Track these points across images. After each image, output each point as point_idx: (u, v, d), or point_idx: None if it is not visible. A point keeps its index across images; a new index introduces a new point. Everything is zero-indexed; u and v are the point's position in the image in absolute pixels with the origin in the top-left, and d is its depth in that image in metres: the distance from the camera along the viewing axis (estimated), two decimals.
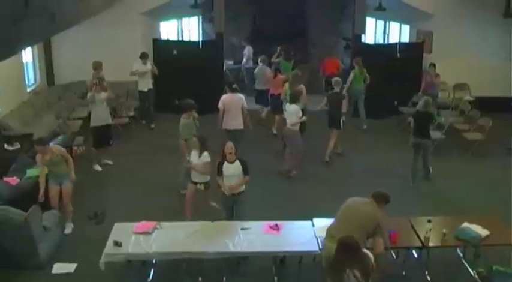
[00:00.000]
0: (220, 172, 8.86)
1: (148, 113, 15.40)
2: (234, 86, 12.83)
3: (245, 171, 8.85)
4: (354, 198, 7.41)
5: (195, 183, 9.48)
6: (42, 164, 9.33)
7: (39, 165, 9.44)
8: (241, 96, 12.40)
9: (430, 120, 11.83)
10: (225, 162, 8.80)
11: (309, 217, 8.76)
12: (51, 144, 9.65)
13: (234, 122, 12.05)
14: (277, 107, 14.31)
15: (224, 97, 12.40)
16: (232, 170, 8.79)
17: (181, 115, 10.87)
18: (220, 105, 12.15)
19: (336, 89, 13.23)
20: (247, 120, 12.25)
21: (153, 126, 15.23)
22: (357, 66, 15.21)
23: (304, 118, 11.98)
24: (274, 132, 14.77)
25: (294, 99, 11.97)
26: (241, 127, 12.14)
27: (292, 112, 11.86)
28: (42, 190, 9.24)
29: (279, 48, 17.10)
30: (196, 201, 9.69)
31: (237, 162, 8.80)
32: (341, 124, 13.02)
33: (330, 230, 7.23)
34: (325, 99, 13.24)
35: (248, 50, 18.57)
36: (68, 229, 9.75)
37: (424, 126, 11.64)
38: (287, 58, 16.68)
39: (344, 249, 6.13)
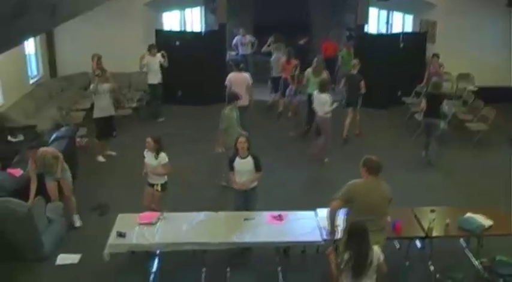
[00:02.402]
0: (231, 167, 8.77)
1: (157, 107, 15.34)
2: (241, 65, 13.35)
3: (257, 167, 8.73)
4: (359, 185, 7.06)
5: (152, 185, 9.14)
6: (34, 171, 9.17)
7: (31, 173, 9.19)
8: (246, 75, 12.97)
9: (441, 101, 12.19)
10: (237, 157, 8.71)
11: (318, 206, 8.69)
12: (42, 148, 9.55)
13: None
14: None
15: (230, 75, 12.95)
16: (244, 165, 8.69)
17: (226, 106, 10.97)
18: (226, 82, 12.73)
19: (354, 71, 13.57)
20: (251, 99, 12.80)
21: (161, 120, 15.17)
22: (345, 48, 15.66)
23: (335, 105, 12.18)
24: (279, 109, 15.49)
25: (324, 87, 12.16)
26: (246, 103, 12.58)
27: (323, 102, 12.03)
28: (31, 199, 8.99)
29: (272, 36, 17.16)
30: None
31: (249, 158, 8.68)
32: (359, 103, 13.59)
33: None
34: (343, 80, 13.87)
35: (250, 39, 18.44)
36: (77, 222, 9.75)
37: (435, 107, 12.05)
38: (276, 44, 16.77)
39: (351, 233, 6.14)
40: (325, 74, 13.23)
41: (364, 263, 6.01)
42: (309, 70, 13.68)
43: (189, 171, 11.82)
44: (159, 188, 9.07)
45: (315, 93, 12.36)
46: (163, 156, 8.94)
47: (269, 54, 16.66)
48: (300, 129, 14.13)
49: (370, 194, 6.96)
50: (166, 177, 9.15)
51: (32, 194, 9.01)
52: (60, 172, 9.40)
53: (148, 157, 9.03)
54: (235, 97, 10.95)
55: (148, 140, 8.93)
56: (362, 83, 13.36)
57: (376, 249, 6.18)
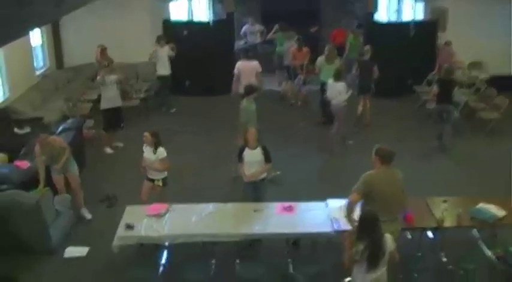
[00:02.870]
0: (240, 158, 8.77)
1: (166, 98, 15.29)
2: (250, 53, 13.30)
3: (267, 158, 8.73)
4: (374, 176, 7.02)
5: (152, 180, 9.05)
6: (40, 158, 9.20)
7: (37, 158, 9.27)
8: (256, 62, 12.86)
9: (453, 86, 12.27)
10: (246, 148, 8.70)
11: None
12: (52, 136, 9.61)
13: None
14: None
15: (239, 63, 12.89)
16: (253, 156, 8.68)
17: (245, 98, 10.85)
18: (235, 71, 12.70)
19: (366, 57, 13.53)
20: (261, 87, 12.64)
21: (173, 110, 15.17)
22: (352, 34, 16.03)
23: (349, 92, 12.20)
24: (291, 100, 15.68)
25: (339, 76, 12.17)
26: None
27: (340, 90, 12.01)
28: (42, 184, 9.12)
29: (276, 25, 17.16)
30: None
31: (259, 149, 8.69)
32: (372, 90, 13.59)
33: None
34: (355, 66, 13.81)
35: (258, 28, 18.38)
36: (87, 215, 9.76)
37: (447, 93, 12.11)
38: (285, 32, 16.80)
39: (363, 223, 6.13)
40: (338, 61, 13.22)
41: (379, 253, 6.00)
42: (321, 58, 13.64)
43: (198, 162, 11.88)
44: (160, 183, 9.01)
45: (330, 82, 12.29)
46: (162, 151, 8.85)
47: (273, 41, 16.74)
48: (315, 119, 14.09)
49: (386, 183, 6.95)
50: (166, 172, 9.06)
51: (42, 178, 9.09)
52: (62, 163, 9.33)
53: (147, 152, 8.94)
54: (253, 90, 10.83)
55: (146, 134, 8.82)
56: (375, 69, 13.35)
57: (388, 238, 6.16)
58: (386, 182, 6.96)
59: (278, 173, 10.87)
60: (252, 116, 10.53)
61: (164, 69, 14.74)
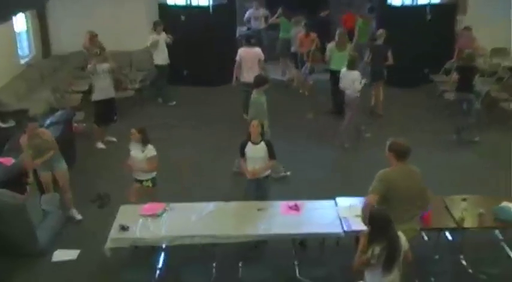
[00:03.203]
0: (242, 153, 8.78)
1: (165, 89, 15.29)
2: (253, 40, 13.32)
3: (271, 154, 8.73)
4: (391, 174, 6.93)
5: (140, 181, 8.94)
6: (27, 151, 9.15)
7: (24, 151, 9.23)
8: (258, 49, 12.97)
9: (474, 73, 12.24)
10: (249, 143, 8.70)
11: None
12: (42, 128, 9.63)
13: (249, 74, 12.31)
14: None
15: (241, 50, 12.99)
16: (256, 151, 8.68)
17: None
18: (237, 58, 12.82)
19: (379, 41, 13.62)
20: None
21: (171, 103, 15.18)
22: (360, 18, 16.38)
23: (363, 81, 12.22)
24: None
25: (353, 64, 12.18)
26: None
27: (354, 79, 12.00)
28: (30, 176, 9.13)
29: (280, 8, 17.24)
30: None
31: (262, 144, 8.69)
32: (385, 75, 13.63)
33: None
34: (368, 51, 13.90)
35: (263, 13, 18.40)
36: (77, 215, 9.74)
37: (468, 81, 12.08)
38: (287, 18, 16.85)
39: (374, 223, 6.11)
40: (349, 48, 13.23)
41: (395, 255, 6.00)
42: (332, 44, 13.66)
43: (198, 157, 11.92)
44: (149, 184, 8.95)
45: (343, 71, 12.29)
46: (151, 149, 8.80)
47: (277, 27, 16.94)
48: (323, 111, 14.10)
49: (403, 181, 6.88)
50: (155, 172, 8.98)
51: (30, 170, 9.12)
52: (47, 159, 9.27)
53: (135, 150, 8.88)
54: (263, 81, 10.76)
55: (133, 131, 8.75)
56: (389, 54, 13.40)
57: (402, 237, 6.16)
58: (403, 180, 6.90)
59: (288, 173, 10.88)
60: (262, 109, 10.49)
61: (162, 57, 14.73)
